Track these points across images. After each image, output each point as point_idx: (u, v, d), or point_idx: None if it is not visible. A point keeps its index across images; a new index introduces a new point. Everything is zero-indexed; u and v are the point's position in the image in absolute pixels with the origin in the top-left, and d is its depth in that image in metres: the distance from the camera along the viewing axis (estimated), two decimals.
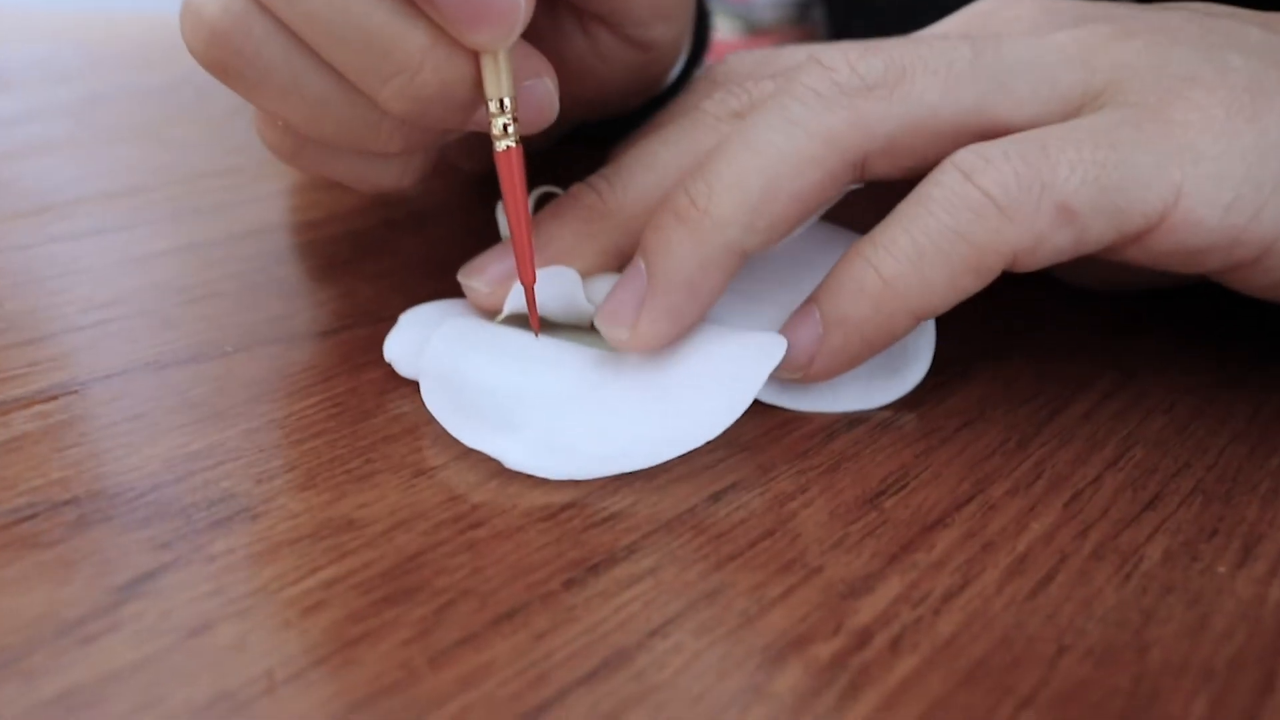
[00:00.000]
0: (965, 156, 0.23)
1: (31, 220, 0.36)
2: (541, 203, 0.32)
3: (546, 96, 0.26)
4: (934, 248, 0.23)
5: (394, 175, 0.28)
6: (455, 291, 0.29)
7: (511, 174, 0.25)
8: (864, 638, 0.19)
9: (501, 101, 0.24)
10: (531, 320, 0.26)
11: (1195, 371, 0.29)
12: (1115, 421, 0.26)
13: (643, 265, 0.25)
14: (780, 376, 0.25)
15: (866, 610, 0.19)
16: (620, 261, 0.27)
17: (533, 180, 0.30)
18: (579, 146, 0.36)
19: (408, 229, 0.36)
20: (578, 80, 0.29)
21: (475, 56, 0.24)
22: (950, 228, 0.23)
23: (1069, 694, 0.18)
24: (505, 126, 0.24)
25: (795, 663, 0.18)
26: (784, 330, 0.25)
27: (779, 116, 0.24)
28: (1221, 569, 0.21)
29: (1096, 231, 0.23)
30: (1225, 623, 0.19)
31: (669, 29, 0.29)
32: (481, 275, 0.27)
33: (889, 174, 0.25)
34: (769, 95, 0.26)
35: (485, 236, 0.29)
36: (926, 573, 0.21)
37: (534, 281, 0.25)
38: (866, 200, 0.26)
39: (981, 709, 0.17)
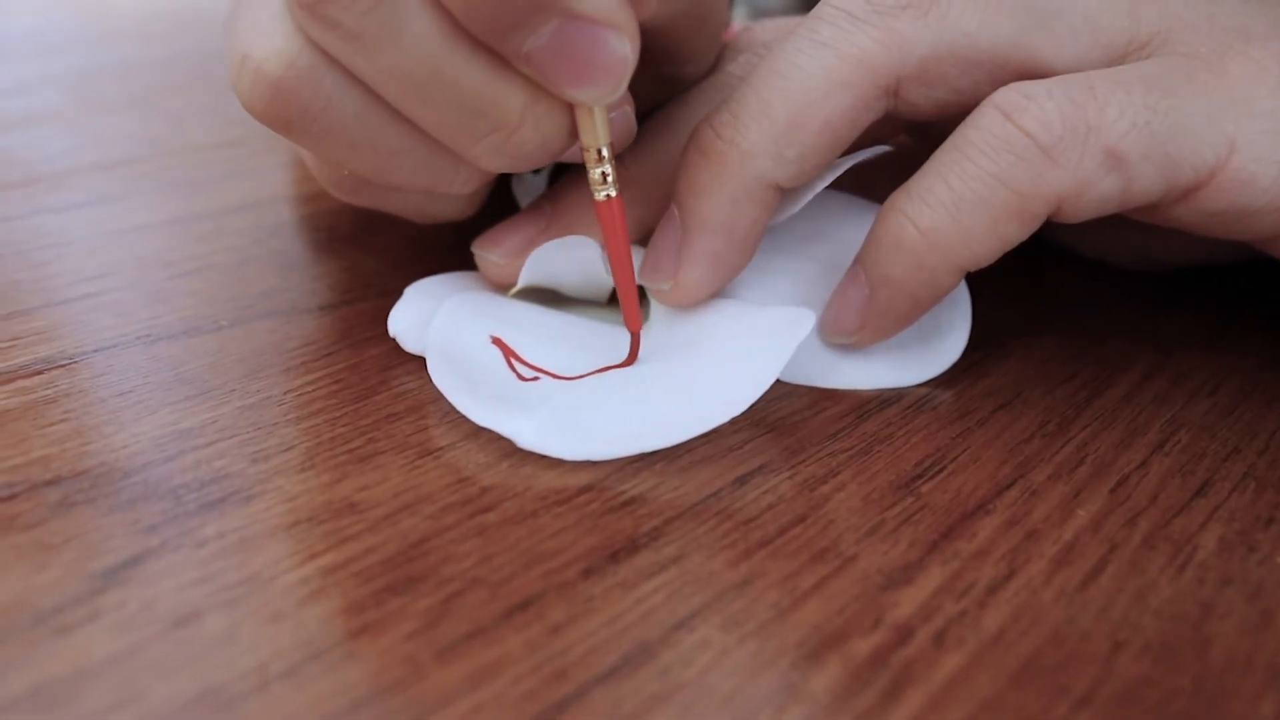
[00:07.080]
0: (1006, 95, 0.22)
1: (19, 192, 0.34)
2: (556, 174, 0.31)
3: (627, 125, 0.24)
4: (973, 195, 0.22)
5: (459, 208, 0.27)
6: (464, 266, 0.27)
7: (614, 223, 0.23)
8: (905, 632, 0.17)
9: (599, 150, 0.22)
10: (631, 355, 0.24)
11: (1237, 352, 0.27)
12: (1158, 404, 0.25)
13: (676, 212, 0.24)
14: (832, 342, 0.25)
15: (907, 603, 0.18)
16: (642, 231, 0.26)
17: None
18: None
19: None
20: None
21: (572, 106, 0.22)
22: (990, 172, 0.22)
23: (1127, 693, 0.17)
24: (604, 175, 0.23)
25: (832, 659, 0.17)
26: (834, 293, 0.24)
27: (807, 39, 0.23)
28: None
29: (1145, 181, 0.22)
30: None
31: (698, 67, 0.27)
32: (498, 247, 0.26)
33: (922, 106, 0.24)
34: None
35: (497, 209, 0.28)
36: (969, 562, 0.19)
37: (640, 326, 0.24)
38: (888, 181, 0.25)
39: (1034, 709, 0.16)
